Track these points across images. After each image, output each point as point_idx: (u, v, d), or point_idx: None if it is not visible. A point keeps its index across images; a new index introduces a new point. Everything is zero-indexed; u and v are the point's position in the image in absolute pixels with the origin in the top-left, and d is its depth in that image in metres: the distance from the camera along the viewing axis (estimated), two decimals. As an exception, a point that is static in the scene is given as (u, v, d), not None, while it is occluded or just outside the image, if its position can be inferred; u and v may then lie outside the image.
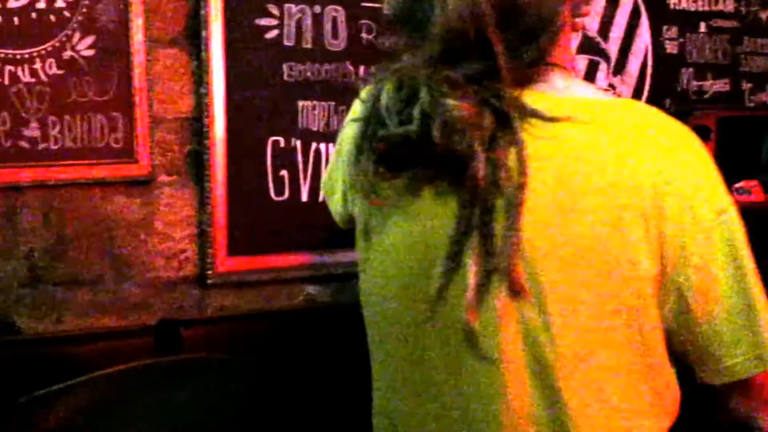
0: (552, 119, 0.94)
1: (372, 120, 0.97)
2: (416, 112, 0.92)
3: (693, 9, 2.88)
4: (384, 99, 0.96)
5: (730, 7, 2.96)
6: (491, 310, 0.95)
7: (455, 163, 0.92)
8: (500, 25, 0.93)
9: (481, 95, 0.92)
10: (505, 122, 0.93)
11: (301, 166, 2.18)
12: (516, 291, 0.93)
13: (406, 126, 0.93)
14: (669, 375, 1.01)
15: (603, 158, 0.94)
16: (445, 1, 0.93)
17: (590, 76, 2.67)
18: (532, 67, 0.97)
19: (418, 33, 0.95)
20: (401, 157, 0.96)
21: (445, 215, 0.96)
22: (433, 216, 0.97)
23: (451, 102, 0.91)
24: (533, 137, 0.93)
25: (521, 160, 0.91)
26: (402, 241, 1.00)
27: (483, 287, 0.93)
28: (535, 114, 0.94)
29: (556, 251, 0.94)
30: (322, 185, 1.25)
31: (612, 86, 2.70)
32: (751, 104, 3.04)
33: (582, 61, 2.64)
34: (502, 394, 0.97)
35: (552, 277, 0.94)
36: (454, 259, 0.95)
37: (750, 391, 1.02)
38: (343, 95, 2.14)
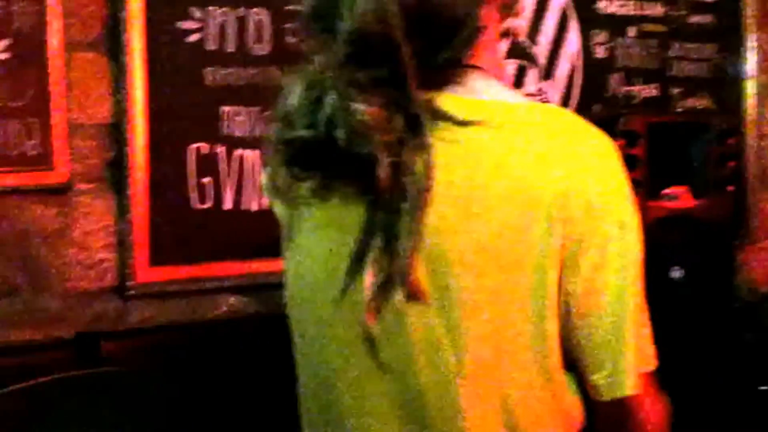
0: (463, 123, 0.96)
1: (282, 121, 0.99)
2: (323, 115, 0.95)
3: (622, 13, 3.00)
4: (292, 100, 0.98)
5: (658, 11, 3.10)
6: (391, 314, 0.96)
7: (362, 166, 0.94)
8: (410, 27, 0.94)
9: (390, 98, 0.94)
10: (415, 126, 0.94)
11: (224, 173, 2.22)
12: (414, 295, 0.95)
13: (313, 129, 0.96)
14: (569, 383, 1.03)
15: (513, 163, 0.96)
16: (354, 1, 0.94)
17: (519, 80, 2.76)
18: (447, 69, 0.99)
19: (329, 33, 0.96)
20: (311, 160, 0.99)
21: (352, 217, 0.99)
22: (341, 219, 1.00)
23: (357, 106, 0.93)
24: (443, 141, 0.95)
25: (427, 165, 0.94)
26: (314, 244, 1.03)
27: (382, 290, 0.95)
28: (446, 117, 0.96)
29: (461, 256, 0.96)
30: (262, 187, 1.27)
31: (541, 91, 2.80)
32: (680, 109, 3.18)
33: (510, 66, 2.73)
34: (403, 401, 0.99)
35: (457, 283, 0.96)
36: (358, 262, 0.97)
37: (610, 413, 1.04)
38: (268, 100, 2.18)
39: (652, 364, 1.05)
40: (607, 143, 1.01)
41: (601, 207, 0.97)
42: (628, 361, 1.01)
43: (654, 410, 1.07)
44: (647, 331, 1.05)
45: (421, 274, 0.95)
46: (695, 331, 2.81)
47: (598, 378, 1.01)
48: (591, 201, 0.97)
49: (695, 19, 3.22)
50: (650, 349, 1.05)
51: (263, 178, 1.20)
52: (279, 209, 1.10)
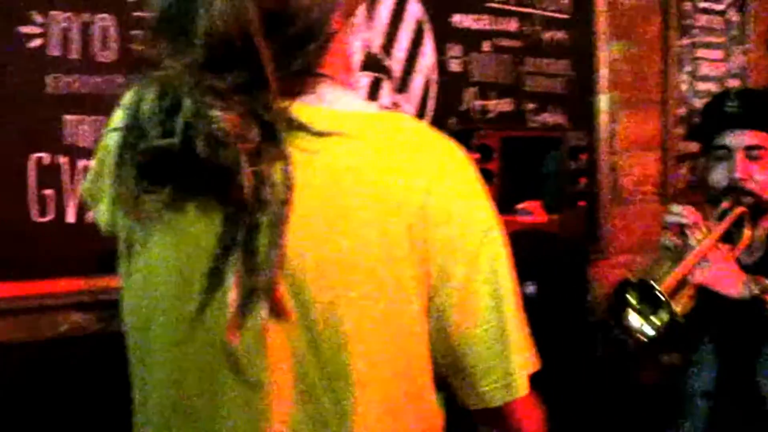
0: (319, 133, 0.97)
1: (133, 130, 0.97)
2: (179, 123, 0.94)
3: (476, 28, 3.19)
4: (145, 108, 0.96)
5: (513, 26, 3.31)
6: (254, 330, 0.96)
7: (220, 177, 0.94)
8: (268, 32, 0.95)
9: (247, 106, 0.94)
10: (272, 135, 0.95)
11: (67, 185, 2.22)
12: (278, 311, 0.96)
13: (169, 138, 0.95)
14: (432, 400, 1.07)
15: (371, 174, 0.98)
16: (211, 4, 0.94)
17: (373, 93, 2.89)
18: (300, 77, 1.00)
19: (183, 37, 0.96)
20: (164, 171, 0.98)
21: (209, 231, 0.98)
22: (197, 232, 0.99)
23: (215, 113, 0.93)
24: (300, 151, 0.96)
25: (287, 176, 0.94)
26: (165, 258, 1.02)
27: (245, 306, 0.95)
28: (302, 127, 0.97)
29: (323, 270, 0.97)
30: (83, 191, 1.23)
31: (396, 104, 2.94)
32: (534, 124, 3.40)
33: (365, 78, 2.85)
34: (266, 420, 0.99)
35: (318, 297, 0.97)
36: (216, 277, 0.97)
37: (499, 419, 1.10)
38: (114, 109, 2.21)
39: (535, 365, 1.12)
40: (461, 153, 1.07)
41: (465, 215, 1.02)
42: (516, 362, 1.07)
43: (535, 413, 1.15)
44: (527, 332, 1.13)
45: (283, 289, 0.96)
46: (549, 346, 2.98)
47: (487, 384, 1.06)
48: (453, 210, 1.01)
49: (549, 34, 3.46)
50: (532, 350, 1.13)
51: (84, 185, 1.19)
52: (120, 222, 1.08)
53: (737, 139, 2.21)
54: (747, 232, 2.18)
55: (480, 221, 1.05)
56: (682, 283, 2.00)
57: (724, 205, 2.16)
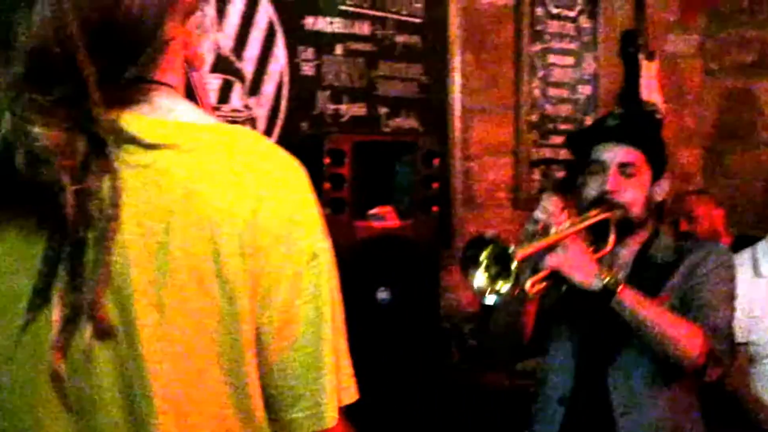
0: (151, 146, 0.98)
1: None
2: None
3: (329, 31, 3.31)
4: None
5: (365, 30, 3.44)
6: (79, 350, 0.97)
7: (43, 195, 0.95)
8: (92, 44, 0.96)
9: (72, 120, 0.95)
10: (99, 149, 0.96)
11: None
12: (103, 331, 0.97)
13: None
14: (264, 423, 1.07)
15: (201, 192, 0.99)
16: (31, 16, 0.95)
17: (224, 96, 2.95)
18: (133, 86, 1.01)
19: (5, 50, 0.96)
20: None
21: (32, 250, 0.99)
22: (19, 251, 1.00)
23: (37, 130, 0.93)
24: (129, 165, 0.97)
25: (114, 191, 0.95)
26: None
27: (69, 326, 0.96)
28: (132, 140, 0.98)
29: (150, 288, 0.98)
30: None
31: (247, 107, 3.01)
32: (387, 129, 3.54)
33: (215, 81, 2.91)
34: None
35: (145, 316, 0.98)
36: (41, 296, 0.97)
37: None
38: None
39: (351, 398, 1.12)
40: (296, 168, 1.08)
41: (292, 236, 1.03)
42: (328, 393, 1.07)
43: None
44: (347, 363, 1.11)
45: (109, 308, 0.97)
46: (403, 352, 3.10)
47: (296, 412, 1.07)
48: (281, 230, 1.03)
49: (402, 38, 3.60)
50: (350, 382, 1.12)
51: None
52: None
53: (612, 154, 2.30)
54: (611, 237, 2.27)
55: (308, 243, 1.06)
56: (537, 263, 2.11)
57: (592, 213, 2.25)
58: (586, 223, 2.25)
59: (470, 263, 2.08)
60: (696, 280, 2.31)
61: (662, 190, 2.40)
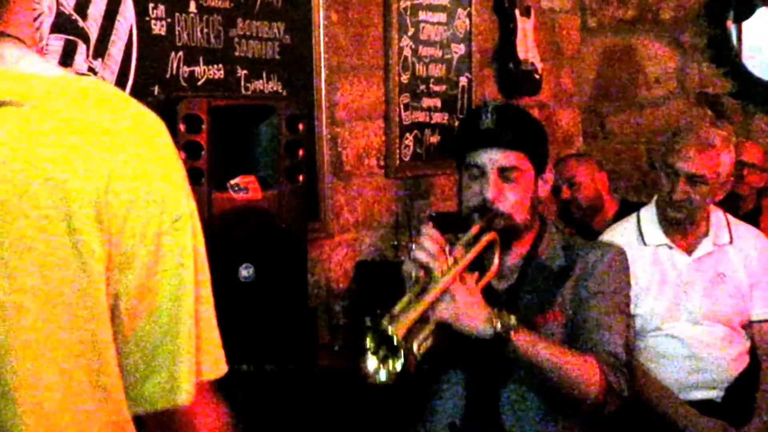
0: None
1: None
2: None
3: (181, -14, 3.30)
4: None
5: (222, -15, 3.45)
6: None
7: None
8: None
9: None
10: None
11: None
12: None
13: None
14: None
15: (53, 148, 1.01)
16: None
17: (67, 59, 2.91)
18: None
19: None
20: None
21: None
22: None
23: None
24: None
25: None
26: None
27: None
28: None
29: None
30: None
31: (93, 70, 3.00)
32: (247, 92, 3.57)
33: (56, 43, 2.88)
34: None
35: None
36: None
37: (167, 426, 1.12)
38: None
39: (218, 371, 1.15)
40: (156, 123, 1.11)
41: (153, 199, 1.06)
42: (185, 366, 1.09)
43: (210, 421, 1.16)
44: (214, 334, 1.15)
45: None
46: (268, 332, 3.15)
47: (148, 386, 1.09)
48: (141, 193, 1.05)
49: (261, -6, 3.62)
50: (216, 354, 1.15)
51: None
52: None
53: (491, 158, 2.33)
54: (496, 261, 2.32)
55: (169, 207, 1.08)
56: (422, 320, 2.11)
57: (474, 230, 2.29)
58: (470, 257, 2.26)
59: (358, 353, 2.09)
60: (587, 293, 2.38)
61: (546, 184, 2.47)
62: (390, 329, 2.02)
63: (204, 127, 2.97)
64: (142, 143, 1.07)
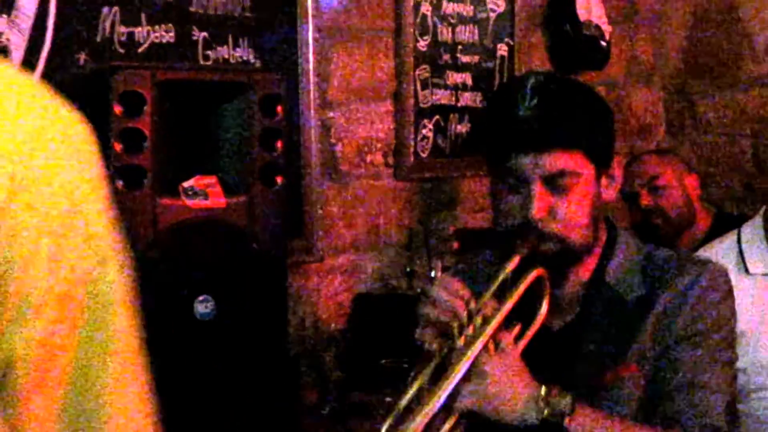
0: None
1: None
2: None
3: None
4: None
5: None
6: None
7: None
8: None
9: None
10: None
11: None
12: None
13: None
14: None
15: None
16: None
17: None
18: None
19: None
20: None
21: None
22: None
23: None
24: None
25: None
26: None
27: None
28: None
29: None
30: None
31: None
32: (208, 62, 3.56)
33: None
34: None
35: None
36: None
37: None
38: None
39: None
40: (71, 124, 1.13)
41: (62, 235, 1.07)
42: None
43: None
44: (144, 415, 1.16)
45: None
46: (234, 390, 3.14)
47: None
48: (45, 227, 1.07)
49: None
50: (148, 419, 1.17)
51: None
52: None
53: (534, 162, 2.26)
54: (544, 307, 2.27)
55: (86, 247, 1.10)
56: (444, 412, 2.08)
57: (512, 264, 2.22)
58: (505, 310, 2.21)
59: None
60: (674, 337, 2.33)
61: (614, 183, 2.39)
62: None
63: (147, 108, 2.96)
64: (52, 156, 1.09)
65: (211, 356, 3.13)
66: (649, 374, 2.32)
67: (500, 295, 2.22)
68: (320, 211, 4.03)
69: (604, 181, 2.35)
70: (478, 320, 2.17)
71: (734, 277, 3.20)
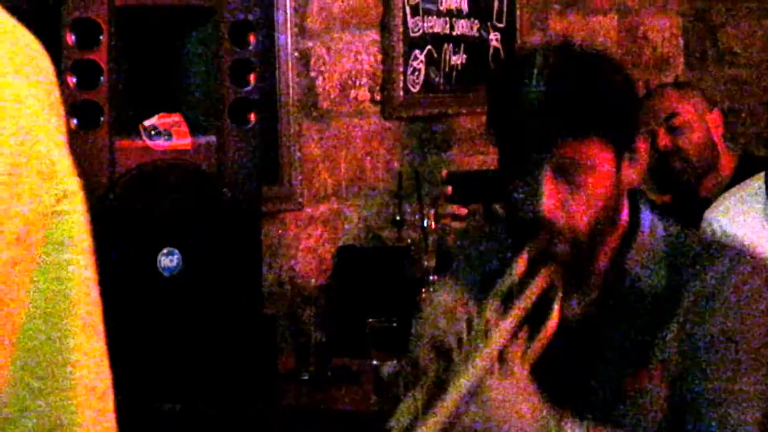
0: None
1: None
2: None
3: None
4: None
5: None
6: None
7: None
8: None
9: None
10: None
11: None
12: None
13: None
14: None
15: None
16: None
17: None
18: None
19: None
20: None
21: None
22: None
23: None
24: None
25: None
26: None
27: None
28: None
29: None
30: None
31: None
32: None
33: None
34: None
35: None
36: None
37: None
38: None
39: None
40: (29, 42, 1.14)
41: (12, 178, 1.06)
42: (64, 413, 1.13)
43: None
44: (105, 382, 1.17)
45: None
46: (203, 353, 3.16)
47: None
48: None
49: None
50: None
51: None
52: None
53: (541, 155, 2.23)
54: (555, 311, 2.22)
55: (40, 189, 1.10)
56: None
57: (518, 267, 2.20)
58: (509, 325, 2.16)
59: None
60: (703, 340, 2.27)
61: (636, 162, 2.31)
62: None
63: (103, 38, 2.96)
64: (5, 87, 1.08)
65: (177, 315, 3.14)
66: (672, 383, 2.28)
67: (506, 302, 2.19)
68: (298, 154, 4.04)
69: (625, 162, 2.28)
70: (480, 329, 2.13)
71: (759, 221, 3.22)
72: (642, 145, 2.34)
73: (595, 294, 2.35)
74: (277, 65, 3.92)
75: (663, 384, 2.27)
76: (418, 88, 4.48)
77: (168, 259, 3.13)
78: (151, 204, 3.12)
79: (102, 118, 2.97)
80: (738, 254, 2.34)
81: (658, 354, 2.28)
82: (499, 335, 2.13)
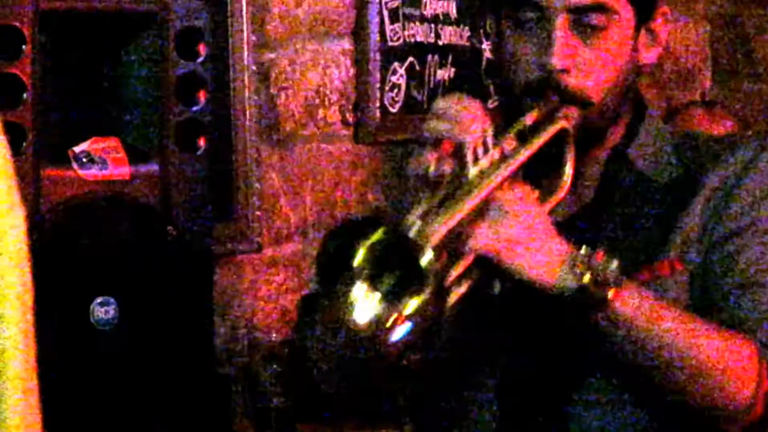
0: None
1: None
2: None
3: None
4: None
5: None
6: None
7: None
8: None
9: None
10: None
11: None
12: None
13: None
14: None
15: None
16: None
17: None
18: None
19: None
20: None
21: None
22: None
23: None
24: None
25: None
26: None
27: None
28: None
29: None
30: None
31: None
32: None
33: None
34: None
35: None
36: None
37: None
38: None
39: None
40: None
41: None
42: None
43: None
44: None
45: None
46: (144, 419, 3.18)
47: None
48: None
49: None
50: None
51: None
52: None
53: None
54: (568, 168, 2.30)
55: None
56: (451, 248, 2.06)
57: (529, 119, 2.25)
58: (528, 152, 2.23)
59: (336, 279, 2.03)
60: (728, 227, 2.38)
61: (656, 43, 2.42)
62: (413, 231, 1.98)
63: (26, 48, 2.99)
64: None
65: (114, 377, 3.15)
66: (694, 274, 2.36)
67: (521, 143, 2.25)
68: (257, 185, 4.06)
69: (643, 37, 2.38)
70: (496, 153, 2.17)
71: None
72: (663, 28, 2.44)
73: (594, 184, 2.44)
74: (232, 80, 3.95)
75: (681, 273, 2.36)
76: (397, 107, 4.52)
77: (103, 310, 3.14)
78: (82, 244, 3.15)
79: (25, 143, 2.99)
80: (762, 144, 2.46)
81: (677, 242, 2.37)
82: (516, 161, 2.19)
